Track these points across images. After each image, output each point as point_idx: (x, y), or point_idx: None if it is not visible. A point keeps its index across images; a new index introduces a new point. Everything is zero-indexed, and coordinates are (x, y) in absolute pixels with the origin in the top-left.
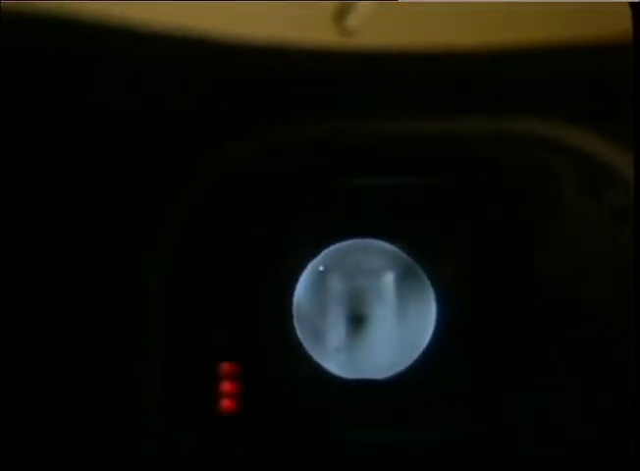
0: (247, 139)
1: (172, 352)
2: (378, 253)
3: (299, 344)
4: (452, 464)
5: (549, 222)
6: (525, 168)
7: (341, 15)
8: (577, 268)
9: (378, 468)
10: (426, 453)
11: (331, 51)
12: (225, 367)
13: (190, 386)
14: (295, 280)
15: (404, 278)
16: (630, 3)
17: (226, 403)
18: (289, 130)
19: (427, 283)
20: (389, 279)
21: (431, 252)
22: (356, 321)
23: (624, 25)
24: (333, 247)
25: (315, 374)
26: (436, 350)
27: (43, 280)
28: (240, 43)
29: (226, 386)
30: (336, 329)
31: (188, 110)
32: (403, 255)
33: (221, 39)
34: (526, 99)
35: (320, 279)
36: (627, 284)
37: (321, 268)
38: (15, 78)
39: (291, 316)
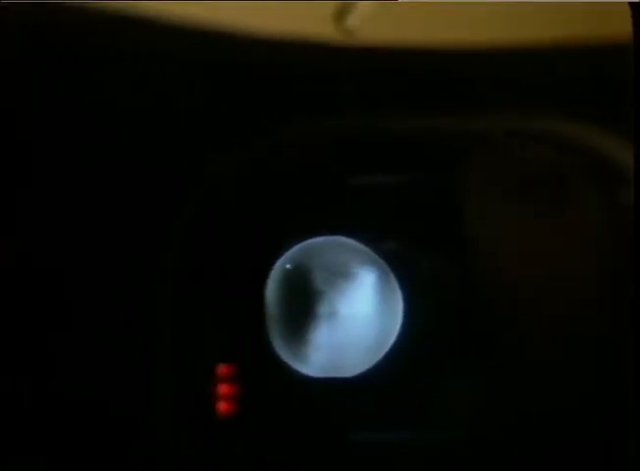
0: (245, 139)
1: (171, 355)
2: (345, 251)
3: (271, 345)
4: (423, 464)
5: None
6: (527, 167)
7: (341, 15)
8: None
9: (360, 467)
10: (400, 453)
11: (331, 50)
12: (222, 369)
13: (188, 388)
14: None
15: (372, 275)
16: (630, 3)
17: (223, 406)
18: (288, 129)
19: (394, 280)
20: (356, 276)
21: (399, 251)
22: (325, 319)
23: (624, 25)
24: (300, 245)
25: (286, 375)
26: (403, 349)
27: (45, 281)
28: (240, 43)
29: (223, 388)
30: (305, 328)
31: (185, 109)
32: (371, 253)
33: (220, 39)
34: (526, 98)
35: (288, 277)
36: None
37: (288, 266)
38: (17, 77)
39: (263, 316)
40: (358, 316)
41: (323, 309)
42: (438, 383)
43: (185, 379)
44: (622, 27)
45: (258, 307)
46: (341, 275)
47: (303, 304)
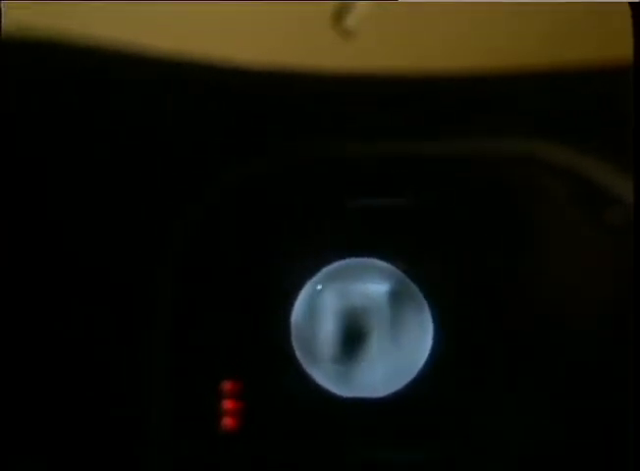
0: (246, 142)
1: (174, 371)
2: (375, 272)
3: (297, 363)
4: None
5: (548, 242)
6: (523, 188)
7: (340, 15)
8: (576, 287)
9: None
10: None
11: (330, 51)
12: (226, 385)
13: (192, 404)
14: (294, 298)
15: (402, 297)
16: (630, 3)
17: (227, 421)
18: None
19: (424, 303)
20: (386, 298)
21: (429, 273)
22: (354, 340)
23: (624, 25)
24: (331, 266)
25: (312, 392)
26: (433, 370)
27: (47, 292)
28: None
29: (228, 403)
30: (333, 347)
31: (183, 118)
32: (401, 275)
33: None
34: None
35: (318, 297)
36: (627, 300)
37: (319, 287)
38: (19, 86)
39: (289, 335)
40: (387, 337)
41: (352, 329)
42: (467, 405)
43: (188, 396)
44: (622, 27)
45: (260, 324)
46: (370, 296)
47: (333, 324)
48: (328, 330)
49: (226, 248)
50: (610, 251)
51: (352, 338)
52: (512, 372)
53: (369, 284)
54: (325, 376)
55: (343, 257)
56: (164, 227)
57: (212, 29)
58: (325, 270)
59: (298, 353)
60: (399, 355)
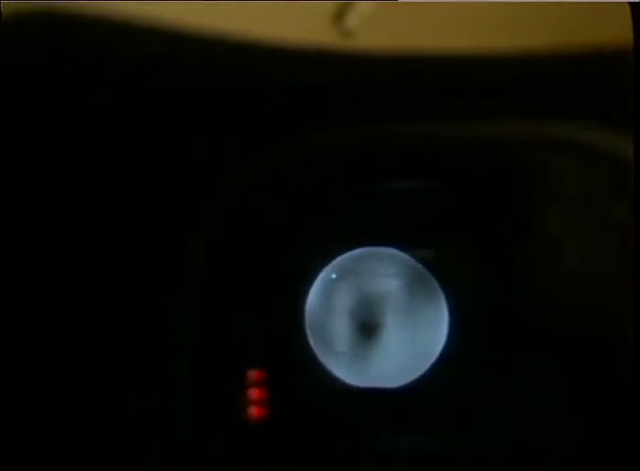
0: (246, 139)
1: (199, 361)
2: (390, 261)
3: (311, 352)
4: None
5: (569, 230)
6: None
7: (340, 15)
8: (599, 275)
9: None
10: (439, 461)
11: (330, 51)
12: (252, 375)
13: (218, 394)
14: (308, 288)
15: (417, 287)
16: (630, 3)
17: (253, 411)
18: (287, 132)
19: (440, 293)
20: (401, 287)
21: (446, 262)
22: (368, 329)
23: (624, 24)
24: (345, 255)
25: (328, 383)
26: (448, 359)
27: (73, 291)
28: (239, 43)
29: (253, 393)
30: (348, 337)
31: (186, 113)
32: (417, 264)
33: (218, 39)
34: (526, 100)
35: (333, 287)
36: None
37: (333, 276)
38: (19, 80)
39: (303, 325)
40: (402, 326)
41: (367, 319)
42: (482, 395)
43: (213, 385)
44: (622, 27)
45: (276, 314)
46: (386, 285)
47: (348, 314)
48: (342, 320)
49: (246, 239)
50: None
51: (367, 328)
52: (529, 361)
53: (384, 273)
54: (340, 366)
55: (357, 246)
56: (189, 215)
57: (209, 30)
58: (340, 259)
59: (313, 343)
60: (414, 346)
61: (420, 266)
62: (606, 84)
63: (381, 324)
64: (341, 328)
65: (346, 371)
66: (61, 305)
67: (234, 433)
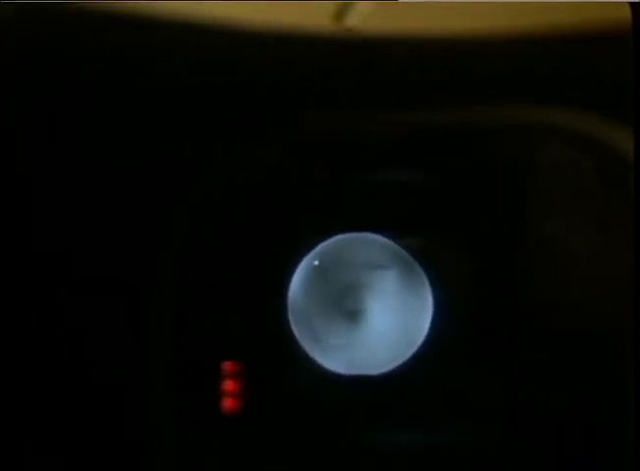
0: (247, 139)
1: (175, 352)
2: (374, 247)
3: (295, 341)
4: (453, 463)
5: (559, 216)
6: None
7: (340, 14)
8: (587, 261)
9: (382, 467)
10: (426, 453)
11: (330, 50)
12: (227, 366)
13: (194, 386)
14: (290, 275)
15: (401, 273)
16: (630, 3)
17: (229, 403)
18: (288, 128)
19: (424, 279)
20: (384, 274)
21: (430, 248)
22: (352, 316)
23: (624, 24)
24: (328, 242)
25: (312, 371)
26: (432, 347)
27: (48, 281)
28: (239, 43)
29: (228, 385)
30: (332, 325)
31: (187, 109)
32: (400, 250)
33: (219, 39)
34: (525, 95)
35: (315, 274)
36: None
37: (316, 263)
38: (16, 77)
39: (286, 313)
40: (386, 313)
41: (350, 306)
42: (464, 383)
43: (189, 378)
44: (622, 27)
45: (258, 303)
46: (369, 271)
47: (331, 301)
48: (326, 307)
49: (224, 228)
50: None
51: (349, 315)
52: (513, 348)
53: (366, 259)
54: (324, 354)
55: (340, 232)
56: (164, 210)
57: (209, 29)
58: (322, 246)
59: (296, 331)
60: (398, 333)
61: (403, 252)
62: (605, 75)
63: (363, 310)
64: (324, 315)
65: (329, 358)
66: (41, 300)
67: (213, 426)
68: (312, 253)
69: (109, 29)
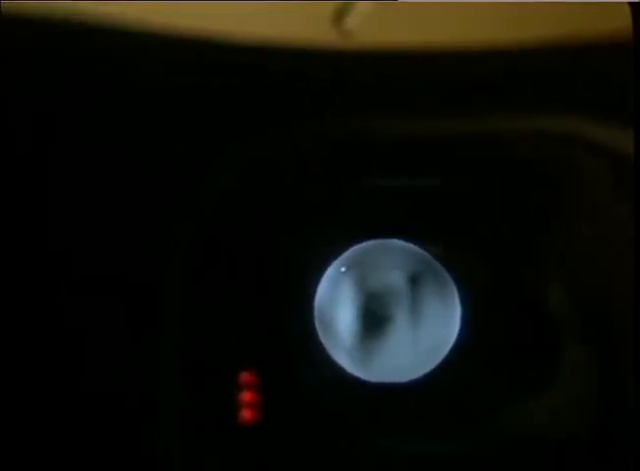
0: (248, 141)
1: (190, 362)
2: (400, 254)
3: (321, 348)
4: None
5: (579, 222)
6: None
7: (339, 15)
8: (608, 269)
9: None
10: (449, 462)
11: (330, 51)
12: (245, 377)
13: (210, 396)
14: (317, 282)
15: (427, 280)
16: (630, 3)
17: (246, 414)
18: (288, 130)
19: (452, 286)
20: (411, 281)
21: (459, 255)
22: (379, 323)
23: (624, 24)
24: (355, 248)
25: (336, 377)
26: (460, 355)
27: (58, 293)
28: (239, 43)
29: (246, 396)
30: (358, 330)
31: (187, 112)
32: (427, 257)
33: (218, 39)
34: (525, 98)
35: (342, 280)
36: None
37: (343, 269)
38: (15, 78)
39: (313, 319)
40: (414, 321)
41: (379, 313)
42: (491, 393)
43: (205, 388)
44: (622, 27)
45: (282, 310)
46: (397, 279)
47: (360, 308)
48: (352, 313)
49: (243, 234)
50: None
51: (376, 321)
52: (542, 357)
53: (394, 266)
54: (350, 360)
55: (367, 239)
56: (180, 212)
57: (209, 29)
58: (349, 252)
59: (322, 337)
60: (424, 340)
61: (430, 259)
62: (606, 79)
63: (391, 317)
64: (350, 321)
65: (355, 365)
66: (50, 303)
67: (232, 435)
68: (339, 260)
69: (109, 30)
